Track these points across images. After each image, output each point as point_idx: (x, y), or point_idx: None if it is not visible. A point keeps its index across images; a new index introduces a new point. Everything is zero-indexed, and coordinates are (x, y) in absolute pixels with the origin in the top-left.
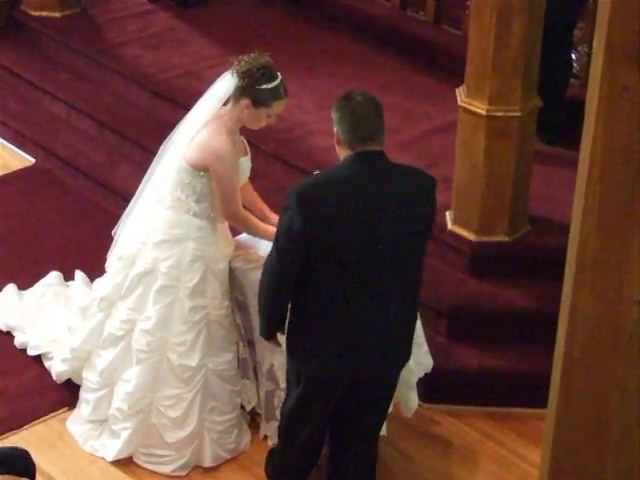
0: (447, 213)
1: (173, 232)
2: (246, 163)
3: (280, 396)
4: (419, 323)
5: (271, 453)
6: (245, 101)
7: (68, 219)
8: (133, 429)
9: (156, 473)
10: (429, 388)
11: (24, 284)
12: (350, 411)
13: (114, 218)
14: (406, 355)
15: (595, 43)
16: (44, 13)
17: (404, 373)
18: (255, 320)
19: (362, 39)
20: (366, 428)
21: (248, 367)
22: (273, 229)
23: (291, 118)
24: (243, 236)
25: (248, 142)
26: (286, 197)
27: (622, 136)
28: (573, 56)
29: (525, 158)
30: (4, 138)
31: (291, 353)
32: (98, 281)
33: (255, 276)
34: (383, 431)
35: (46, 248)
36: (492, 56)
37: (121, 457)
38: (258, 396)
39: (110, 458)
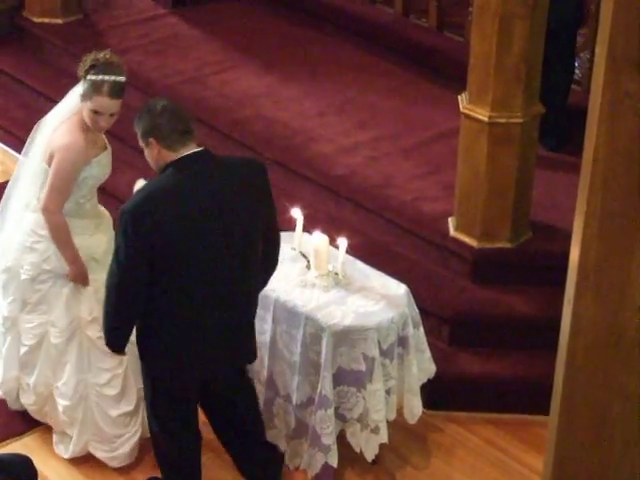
0: (449, 219)
1: (42, 233)
2: (105, 159)
3: (279, 404)
4: (422, 329)
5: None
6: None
7: None
8: (81, 420)
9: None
10: (432, 394)
11: None
12: (217, 406)
13: None
14: (254, 351)
15: (597, 49)
16: (46, 19)
17: (407, 379)
18: None
19: (365, 45)
20: (242, 407)
21: None
22: (76, 256)
23: (293, 124)
24: None
25: (251, 149)
26: (119, 216)
27: (624, 142)
28: (575, 62)
29: (527, 164)
30: (6, 144)
31: (143, 357)
32: None
33: None
34: (385, 438)
35: None
36: (494, 62)
37: (77, 448)
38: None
39: (67, 455)
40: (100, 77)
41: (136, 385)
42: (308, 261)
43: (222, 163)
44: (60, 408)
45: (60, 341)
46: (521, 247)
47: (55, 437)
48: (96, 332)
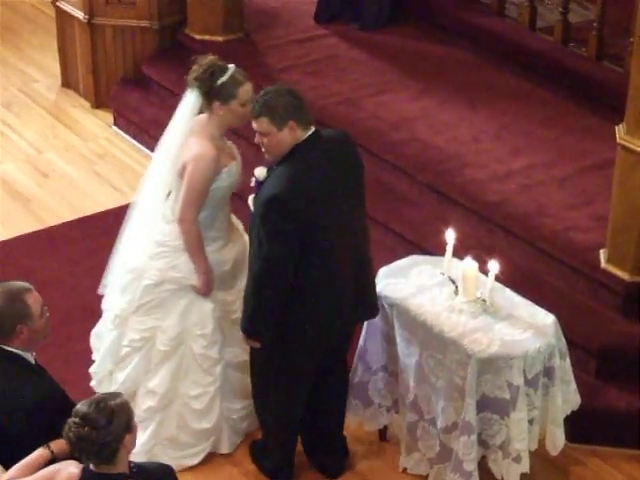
0: (601, 251)
1: (170, 243)
2: (235, 168)
3: (424, 427)
4: (568, 361)
5: (259, 449)
6: (215, 104)
7: None
8: (158, 422)
9: None
10: (576, 427)
11: None
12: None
13: None
14: (377, 306)
15: None
16: (207, 37)
17: (551, 410)
18: (398, 350)
19: (522, 73)
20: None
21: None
22: (208, 266)
23: (447, 149)
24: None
25: (404, 172)
26: (265, 202)
27: None
28: None
29: None
30: None
31: (287, 335)
32: (105, 300)
33: (404, 309)
34: (526, 468)
35: None
36: None
37: (145, 448)
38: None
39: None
40: (229, 73)
41: (221, 405)
42: (456, 286)
43: (330, 139)
44: (144, 406)
45: (166, 349)
46: None
47: None
48: (200, 348)
